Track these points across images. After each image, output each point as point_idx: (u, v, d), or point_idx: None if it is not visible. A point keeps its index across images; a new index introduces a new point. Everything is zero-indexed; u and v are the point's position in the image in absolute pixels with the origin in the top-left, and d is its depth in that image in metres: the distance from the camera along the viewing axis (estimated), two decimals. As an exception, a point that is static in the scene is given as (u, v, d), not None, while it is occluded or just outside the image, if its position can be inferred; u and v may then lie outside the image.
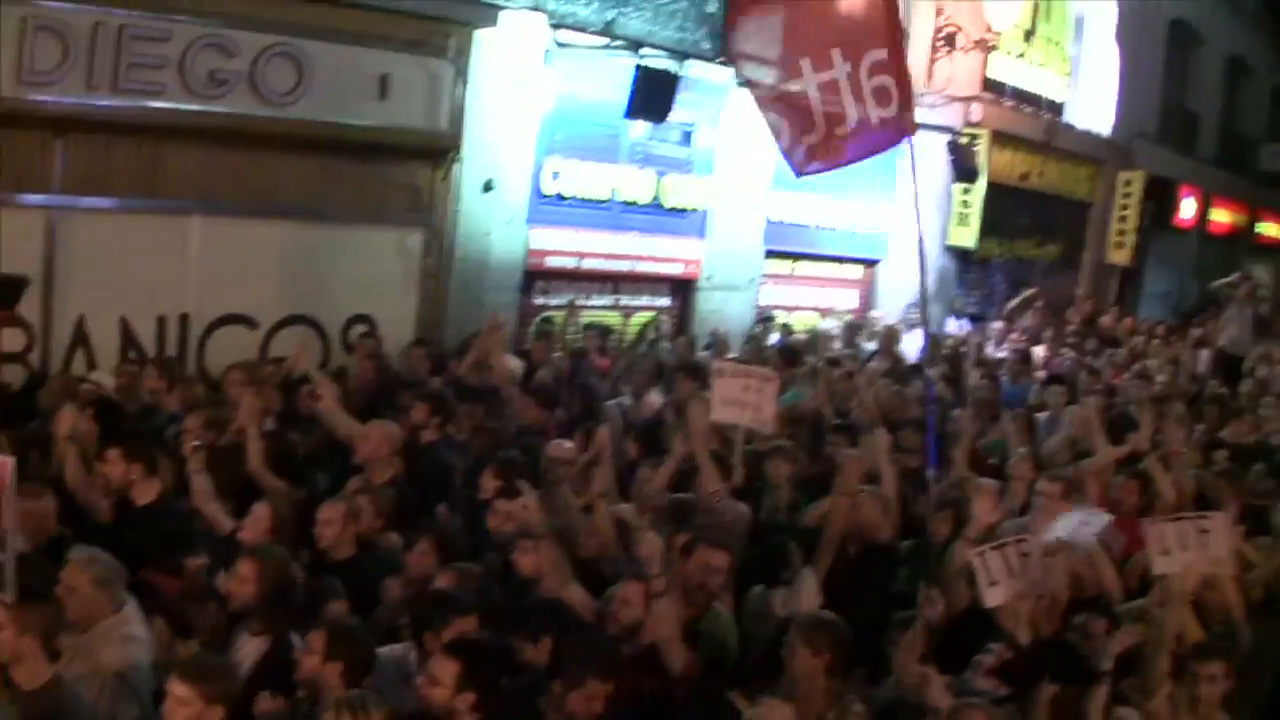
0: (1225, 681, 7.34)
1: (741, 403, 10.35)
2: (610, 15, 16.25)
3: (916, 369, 16.91)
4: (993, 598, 7.77)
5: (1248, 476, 12.41)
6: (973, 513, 8.77)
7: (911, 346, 18.91)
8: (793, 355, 15.89)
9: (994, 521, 8.97)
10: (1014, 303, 23.34)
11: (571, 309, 16.57)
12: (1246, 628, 8.52)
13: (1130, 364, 19.46)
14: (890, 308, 21.73)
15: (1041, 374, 17.87)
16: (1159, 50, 30.59)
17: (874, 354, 18.13)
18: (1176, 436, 12.12)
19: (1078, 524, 9.09)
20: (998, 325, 21.66)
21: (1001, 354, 19.44)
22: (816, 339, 18.57)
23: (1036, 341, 20.85)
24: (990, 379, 16.48)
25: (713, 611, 7.94)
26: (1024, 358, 18.46)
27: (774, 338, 17.94)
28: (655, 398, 13.41)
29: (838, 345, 18.55)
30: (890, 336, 18.68)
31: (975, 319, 23.63)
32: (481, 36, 14.85)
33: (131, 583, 7.09)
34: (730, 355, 15.61)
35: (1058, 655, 7.56)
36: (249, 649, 6.90)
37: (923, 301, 10.68)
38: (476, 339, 13.28)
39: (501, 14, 14.81)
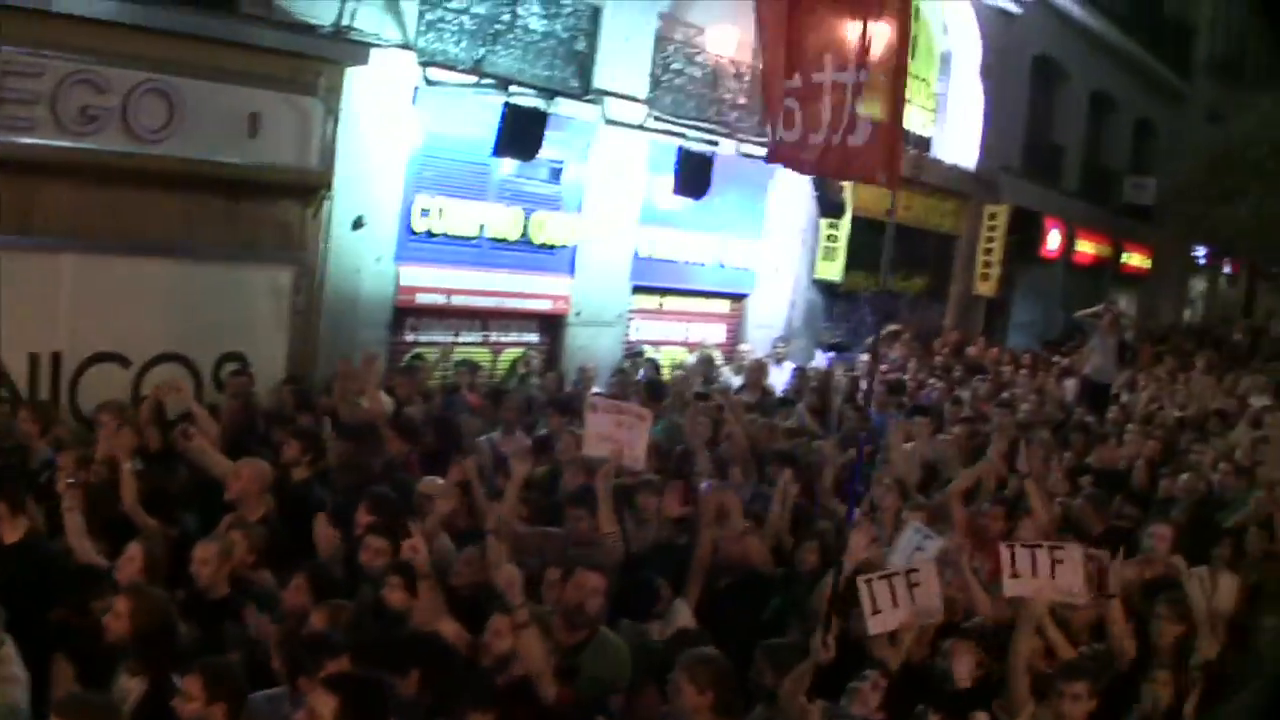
0: (1089, 701, 7.66)
1: (614, 439, 10.56)
2: (480, 53, 16.62)
3: (785, 401, 17.34)
4: (875, 626, 8.10)
5: (1114, 502, 12.98)
6: (849, 545, 8.97)
7: (779, 380, 19.32)
8: (659, 390, 16.13)
9: (868, 557, 9.20)
10: (877, 336, 23.79)
11: (446, 353, 16.83)
12: (1128, 645, 8.95)
13: (996, 393, 20.00)
14: (758, 341, 22.19)
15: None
16: (1024, 86, 31.47)
17: (741, 388, 18.32)
18: (1035, 462, 12.54)
19: (913, 549, 9.40)
20: (864, 358, 22.04)
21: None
22: (689, 373, 18.85)
23: (902, 372, 21.32)
24: (858, 410, 16.74)
25: (600, 636, 8.17)
26: (893, 388, 18.83)
27: (641, 373, 18.24)
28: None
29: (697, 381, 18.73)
30: (757, 370, 18.96)
31: (840, 349, 24.09)
32: (352, 74, 15.00)
33: (40, 621, 7.29)
34: (595, 390, 15.86)
35: (928, 680, 8.00)
36: (129, 689, 7.05)
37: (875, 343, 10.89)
38: (342, 372, 13.48)
39: (372, 52, 14.98)
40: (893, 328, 24.32)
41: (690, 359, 20.55)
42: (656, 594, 9.14)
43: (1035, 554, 8.53)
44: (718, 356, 20.56)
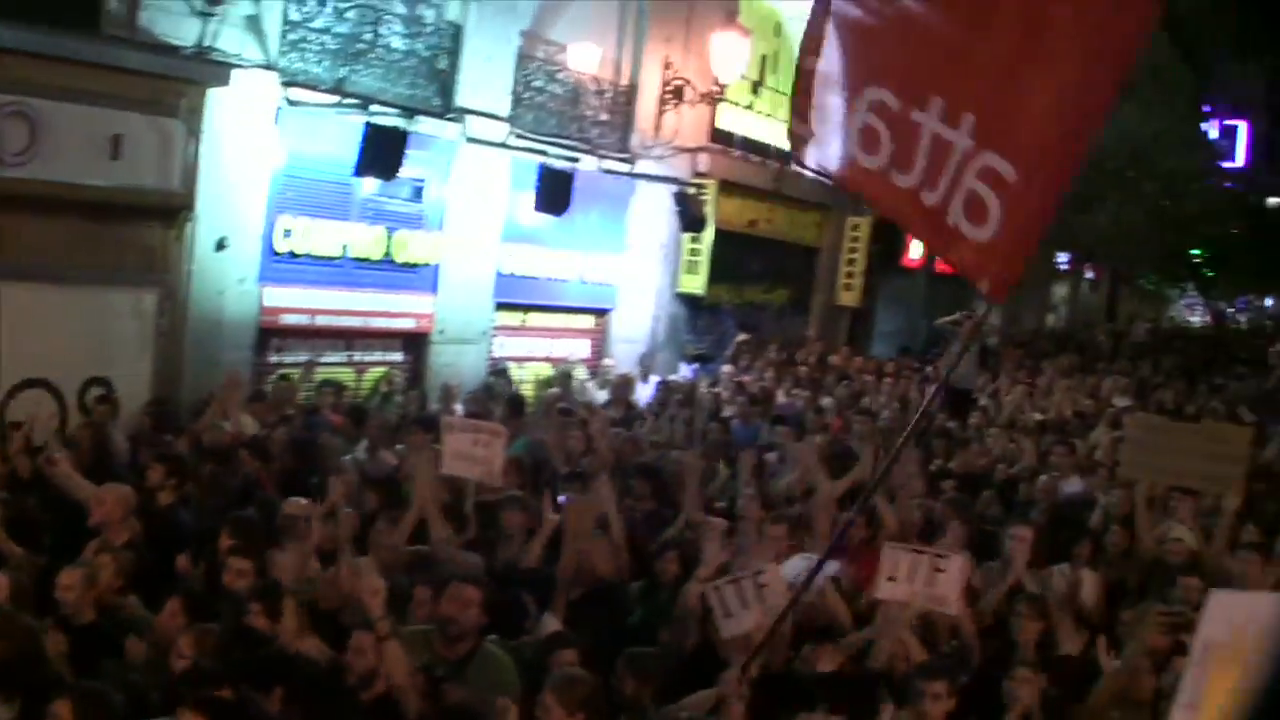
0: (948, 700, 7.80)
1: (471, 457, 10.83)
2: (342, 73, 16.93)
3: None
4: (729, 629, 8.37)
5: (977, 504, 13.45)
6: (704, 555, 9.38)
7: (644, 394, 19.68)
8: (519, 406, 16.39)
9: (724, 561, 9.49)
10: (730, 349, 24.24)
11: (308, 368, 16.91)
12: (977, 646, 9.27)
13: (855, 401, 20.53)
14: (622, 356, 22.66)
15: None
16: (886, 99, 31.80)
17: (608, 403, 18.58)
18: (903, 470, 12.93)
19: (805, 569, 9.22)
20: (727, 369, 22.54)
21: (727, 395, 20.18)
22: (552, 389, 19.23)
23: (763, 382, 21.70)
24: (721, 422, 17.18)
25: (483, 649, 8.21)
26: (757, 398, 19.22)
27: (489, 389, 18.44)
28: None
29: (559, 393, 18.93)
30: (623, 385, 19.33)
31: (704, 361, 24.52)
32: (214, 95, 15.23)
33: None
34: (457, 407, 16.02)
35: (788, 685, 8.26)
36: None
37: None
38: (214, 397, 13.57)
39: (234, 72, 15.23)
40: (743, 337, 24.91)
41: (551, 374, 20.98)
42: (524, 609, 9.40)
43: (916, 560, 8.68)
44: (581, 372, 20.88)
